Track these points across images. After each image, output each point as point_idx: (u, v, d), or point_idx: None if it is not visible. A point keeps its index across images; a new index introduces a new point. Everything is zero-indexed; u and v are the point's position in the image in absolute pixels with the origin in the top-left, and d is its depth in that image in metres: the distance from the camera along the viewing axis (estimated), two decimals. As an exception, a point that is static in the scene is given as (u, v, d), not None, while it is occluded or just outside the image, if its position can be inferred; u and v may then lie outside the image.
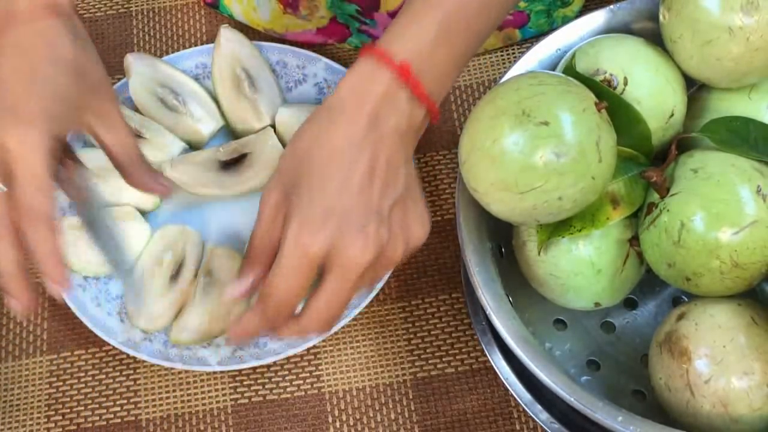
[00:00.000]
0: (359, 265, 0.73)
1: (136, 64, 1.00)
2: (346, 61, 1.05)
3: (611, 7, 0.90)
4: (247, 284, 0.77)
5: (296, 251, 0.73)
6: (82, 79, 0.77)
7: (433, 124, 0.80)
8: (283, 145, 0.97)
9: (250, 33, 1.08)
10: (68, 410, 0.91)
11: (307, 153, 0.75)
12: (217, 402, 0.91)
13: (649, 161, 0.82)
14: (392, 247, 0.75)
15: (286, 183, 0.75)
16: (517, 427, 0.89)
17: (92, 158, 0.97)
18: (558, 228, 0.80)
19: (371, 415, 0.90)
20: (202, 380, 0.92)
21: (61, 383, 0.93)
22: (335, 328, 0.90)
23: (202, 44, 1.08)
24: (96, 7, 1.12)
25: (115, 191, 0.95)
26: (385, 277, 0.91)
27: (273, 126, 0.99)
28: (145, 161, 0.82)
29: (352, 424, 0.90)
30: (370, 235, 0.73)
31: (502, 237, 0.86)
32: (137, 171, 0.82)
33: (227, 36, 1.01)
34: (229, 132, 1.01)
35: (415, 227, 0.77)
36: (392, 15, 1.03)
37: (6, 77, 0.76)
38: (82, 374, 0.93)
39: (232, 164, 0.97)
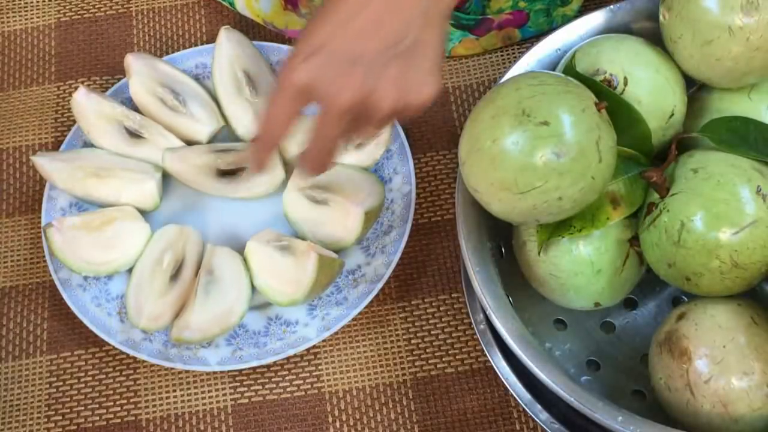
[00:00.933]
0: (339, 104, 0.73)
1: (136, 64, 1.00)
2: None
3: (611, 7, 0.90)
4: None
5: (284, 78, 0.74)
6: None
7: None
8: (283, 159, 0.97)
9: (250, 25, 1.08)
10: (68, 410, 0.91)
11: None
12: (217, 402, 0.91)
13: (649, 161, 0.82)
14: (379, 97, 0.74)
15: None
16: (517, 427, 0.89)
17: (92, 158, 0.97)
18: (558, 228, 0.80)
19: (371, 415, 0.90)
20: (202, 380, 0.92)
21: (61, 383, 0.93)
22: (335, 328, 0.90)
23: (202, 44, 1.08)
24: (96, 7, 1.12)
25: (115, 191, 0.95)
26: (382, 281, 0.91)
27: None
28: None
29: (352, 424, 0.90)
30: (355, 77, 0.73)
31: (502, 237, 0.86)
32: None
33: (228, 36, 1.01)
34: (231, 132, 1.01)
35: (412, 87, 0.75)
36: None
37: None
38: (82, 374, 0.93)
39: (230, 173, 0.97)
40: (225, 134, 1.01)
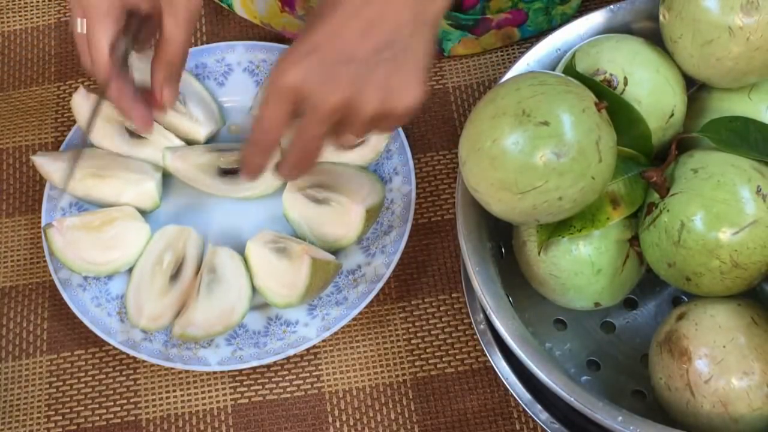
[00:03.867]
0: (326, 106, 0.75)
1: (137, 63, 1.00)
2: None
3: (611, 7, 0.90)
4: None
5: (274, 80, 0.75)
6: None
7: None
8: None
9: (249, 26, 1.08)
10: (68, 410, 0.91)
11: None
12: (217, 402, 0.91)
13: (649, 161, 0.82)
14: (365, 99, 0.75)
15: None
16: (517, 427, 0.89)
17: (92, 158, 0.97)
18: (558, 228, 0.80)
19: (371, 415, 0.90)
20: (202, 380, 0.92)
21: (61, 383, 0.93)
22: (335, 328, 0.90)
23: (202, 44, 1.08)
24: (96, 6, 1.12)
25: (115, 191, 0.95)
26: (381, 281, 0.91)
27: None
28: (176, 77, 0.87)
29: (352, 424, 0.90)
30: (343, 79, 0.74)
31: (502, 237, 0.86)
32: (163, 74, 0.86)
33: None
34: (230, 132, 1.01)
35: (399, 90, 0.76)
36: None
37: None
38: (82, 374, 0.93)
39: (231, 172, 0.97)
40: (225, 134, 1.01)
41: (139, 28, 0.86)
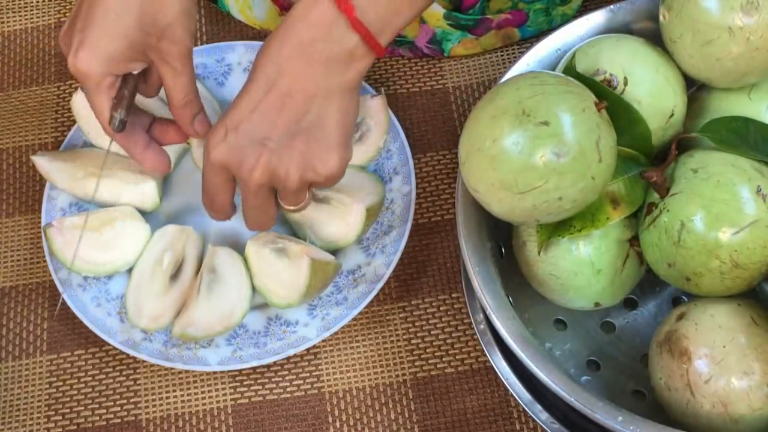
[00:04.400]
0: (250, 181, 0.80)
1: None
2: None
3: (611, 7, 0.90)
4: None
5: (206, 155, 0.81)
6: (149, 22, 0.82)
7: (379, 58, 0.82)
8: None
9: (248, 28, 1.08)
10: (68, 410, 0.91)
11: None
12: (217, 402, 0.91)
13: (649, 161, 0.82)
14: (285, 171, 0.79)
15: None
16: (517, 427, 0.89)
17: (92, 158, 0.97)
18: (558, 228, 0.80)
19: (371, 415, 0.90)
20: (202, 380, 0.92)
21: (61, 383, 0.93)
22: (335, 328, 0.90)
23: (202, 44, 1.08)
24: (96, 6, 1.12)
25: (115, 191, 0.95)
26: (381, 281, 0.91)
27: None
28: (198, 106, 0.88)
29: (352, 424, 0.90)
30: (262, 158, 0.79)
31: (502, 237, 0.86)
32: (185, 115, 0.88)
33: None
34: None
35: (317, 160, 0.80)
36: None
37: (88, 6, 0.83)
38: (82, 374, 0.93)
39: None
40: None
41: (139, 81, 0.87)
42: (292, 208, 0.84)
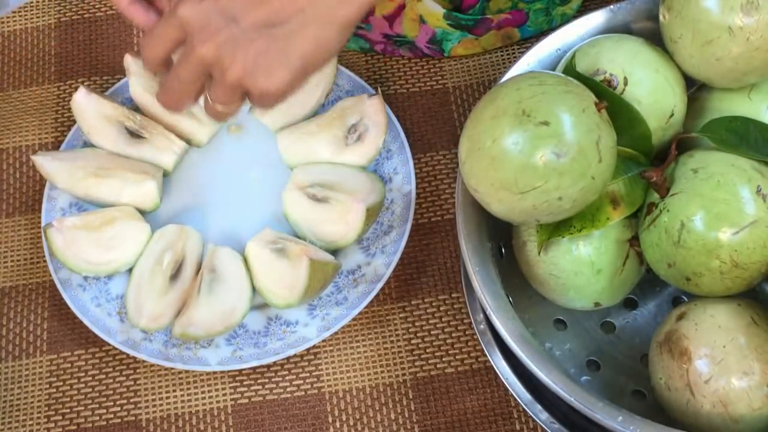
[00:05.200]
0: (196, 52, 0.76)
1: (137, 64, 1.00)
2: (344, 64, 1.05)
3: (611, 7, 0.90)
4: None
5: (173, 6, 0.77)
6: None
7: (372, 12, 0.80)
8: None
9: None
10: (68, 410, 0.91)
11: None
12: (217, 402, 0.91)
13: (649, 161, 0.82)
14: (230, 62, 0.75)
15: None
16: (517, 427, 0.89)
17: (92, 158, 0.97)
18: (558, 228, 0.80)
19: (371, 415, 0.90)
20: (202, 380, 0.92)
21: (61, 383, 0.93)
22: (335, 328, 0.90)
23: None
24: (96, 7, 1.12)
25: (115, 191, 0.95)
26: (381, 281, 0.91)
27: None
28: None
29: (352, 424, 0.90)
30: (221, 35, 0.75)
31: (502, 237, 0.86)
32: None
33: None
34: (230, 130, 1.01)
35: (264, 69, 0.76)
36: (387, 18, 1.03)
37: None
38: (82, 374, 0.93)
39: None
40: (225, 134, 1.01)
41: None
42: (216, 106, 0.79)
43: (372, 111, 0.97)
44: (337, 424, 0.90)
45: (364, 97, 0.97)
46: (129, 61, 1.00)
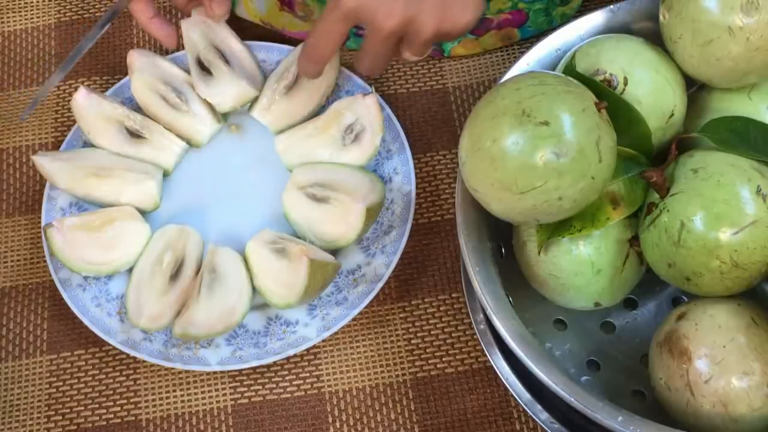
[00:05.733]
0: (383, 29, 0.80)
1: (139, 61, 1.00)
2: (344, 64, 1.05)
3: (611, 7, 0.90)
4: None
5: (329, 11, 0.81)
6: None
7: None
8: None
9: (249, 27, 1.08)
10: (68, 410, 0.91)
11: None
12: (217, 402, 0.91)
13: (649, 161, 0.82)
14: (422, 22, 0.80)
15: None
16: (517, 427, 0.89)
17: (92, 158, 0.97)
18: (558, 228, 0.80)
19: (371, 415, 0.90)
20: (202, 380, 0.92)
21: (61, 383, 0.93)
22: (335, 328, 0.90)
23: (202, 44, 1.08)
24: (96, 7, 1.12)
25: (115, 191, 0.95)
26: (381, 281, 0.91)
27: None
28: None
29: (352, 424, 0.90)
30: (398, 4, 0.79)
31: (502, 237, 0.86)
32: None
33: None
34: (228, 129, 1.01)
35: (452, 13, 0.81)
36: None
37: None
38: (82, 374, 0.93)
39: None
40: (225, 133, 1.01)
41: None
42: (416, 58, 0.84)
43: (368, 109, 0.97)
44: (337, 424, 0.90)
45: (359, 96, 0.97)
46: (133, 57, 1.00)
